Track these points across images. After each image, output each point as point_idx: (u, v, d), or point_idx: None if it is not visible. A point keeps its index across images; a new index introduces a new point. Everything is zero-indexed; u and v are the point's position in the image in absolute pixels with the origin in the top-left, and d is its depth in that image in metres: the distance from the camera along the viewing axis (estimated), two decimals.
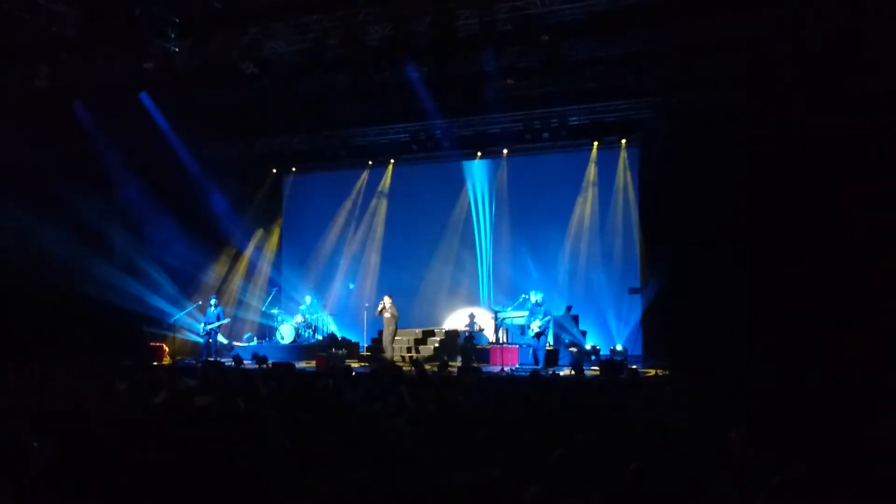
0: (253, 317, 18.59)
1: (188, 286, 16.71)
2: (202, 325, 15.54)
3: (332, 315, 18.00)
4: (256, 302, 18.54)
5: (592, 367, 13.06)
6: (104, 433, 4.60)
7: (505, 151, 16.92)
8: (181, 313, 16.15)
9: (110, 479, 3.83)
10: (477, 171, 17.70)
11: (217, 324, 15.41)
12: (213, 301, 15.61)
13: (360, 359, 16.14)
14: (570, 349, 14.72)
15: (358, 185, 18.96)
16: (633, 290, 15.44)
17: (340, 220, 18.95)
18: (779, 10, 11.16)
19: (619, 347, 14.88)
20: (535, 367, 13.08)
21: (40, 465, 3.83)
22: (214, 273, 17.86)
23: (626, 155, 16.04)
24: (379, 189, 18.72)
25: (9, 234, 13.27)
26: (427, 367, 11.29)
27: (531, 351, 13.98)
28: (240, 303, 18.50)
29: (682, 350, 12.70)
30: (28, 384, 8.01)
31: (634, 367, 12.54)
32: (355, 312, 17.84)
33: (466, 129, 16.42)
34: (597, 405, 6.72)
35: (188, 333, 16.51)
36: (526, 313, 14.42)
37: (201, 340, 15.78)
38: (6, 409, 5.78)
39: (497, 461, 3.92)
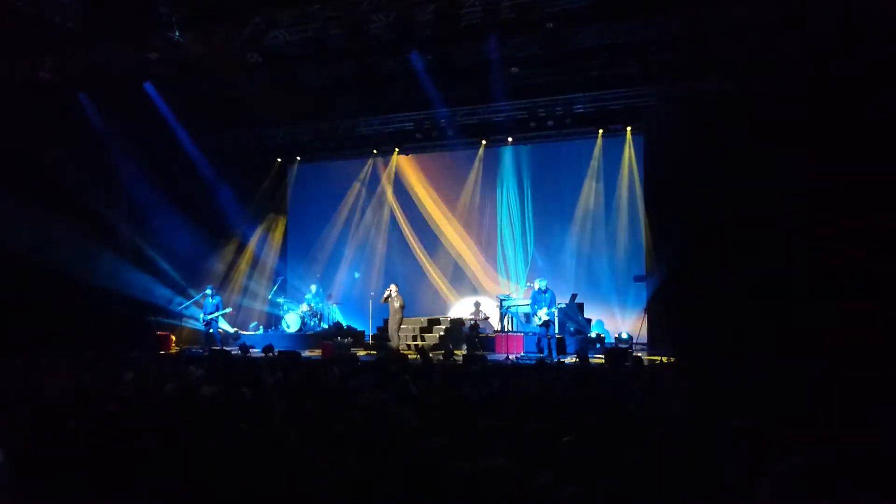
0: (259, 306, 18.66)
1: (194, 276, 16.76)
2: (201, 314, 15.58)
3: (337, 304, 18.05)
4: (262, 291, 18.62)
5: (597, 355, 13.08)
6: (112, 424, 4.63)
7: (510, 140, 16.89)
8: (188, 302, 16.21)
9: (117, 471, 3.87)
10: (481, 160, 17.66)
11: (217, 313, 15.42)
12: (209, 291, 15.55)
13: (366, 347, 16.22)
14: (575, 337, 14.74)
15: (363, 174, 18.96)
16: (638, 278, 15.45)
17: (345, 209, 18.96)
18: None
19: (624, 335, 14.91)
20: (541, 355, 13.09)
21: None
22: (220, 262, 17.91)
23: (631, 143, 15.99)
24: (384, 178, 18.72)
25: (14, 226, 13.32)
26: (432, 355, 11.32)
27: (536, 339, 13.99)
28: (245, 292, 18.55)
29: (687, 338, 12.71)
30: (35, 376, 8.06)
31: (639, 354, 12.55)
32: (361, 301, 17.89)
33: (471, 117, 16.39)
34: (602, 393, 6.73)
35: (194, 322, 16.56)
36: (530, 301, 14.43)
37: (203, 329, 15.85)
38: (14, 402, 5.83)
39: (503, 449, 3.94)
